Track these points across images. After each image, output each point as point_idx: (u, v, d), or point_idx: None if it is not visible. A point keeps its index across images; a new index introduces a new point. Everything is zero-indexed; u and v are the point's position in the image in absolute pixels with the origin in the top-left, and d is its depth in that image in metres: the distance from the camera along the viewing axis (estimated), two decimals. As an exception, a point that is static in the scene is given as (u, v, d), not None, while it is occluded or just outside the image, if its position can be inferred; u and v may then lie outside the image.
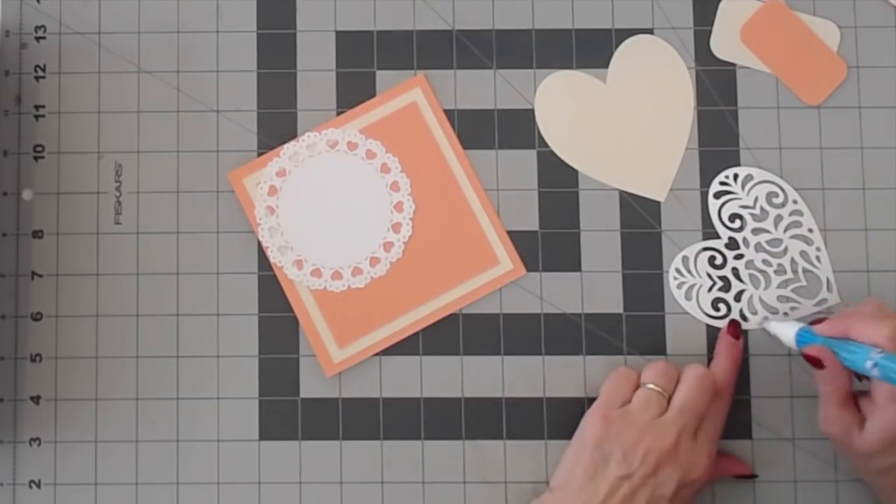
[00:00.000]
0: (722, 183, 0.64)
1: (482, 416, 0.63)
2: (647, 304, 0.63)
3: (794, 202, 0.64)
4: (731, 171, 0.64)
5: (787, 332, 0.60)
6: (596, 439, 0.58)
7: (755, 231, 0.63)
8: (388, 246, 0.64)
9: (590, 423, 0.58)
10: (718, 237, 0.64)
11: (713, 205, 0.64)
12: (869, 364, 0.54)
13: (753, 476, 0.62)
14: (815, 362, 0.57)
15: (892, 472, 0.57)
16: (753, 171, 0.64)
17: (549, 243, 0.64)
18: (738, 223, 0.64)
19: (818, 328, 0.58)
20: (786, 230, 0.63)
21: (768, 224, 0.64)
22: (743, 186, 0.64)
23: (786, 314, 0.63)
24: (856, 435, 0.56)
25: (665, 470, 0.56)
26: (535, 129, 0.65)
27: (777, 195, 0.64)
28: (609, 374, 0.61)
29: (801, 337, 0.59)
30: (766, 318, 0.63)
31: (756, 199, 0.64)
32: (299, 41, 0.65)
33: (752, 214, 0.64)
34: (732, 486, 0.62)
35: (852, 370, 0.56)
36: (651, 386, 0.59)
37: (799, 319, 0.62)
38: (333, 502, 0.62)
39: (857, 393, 0.58)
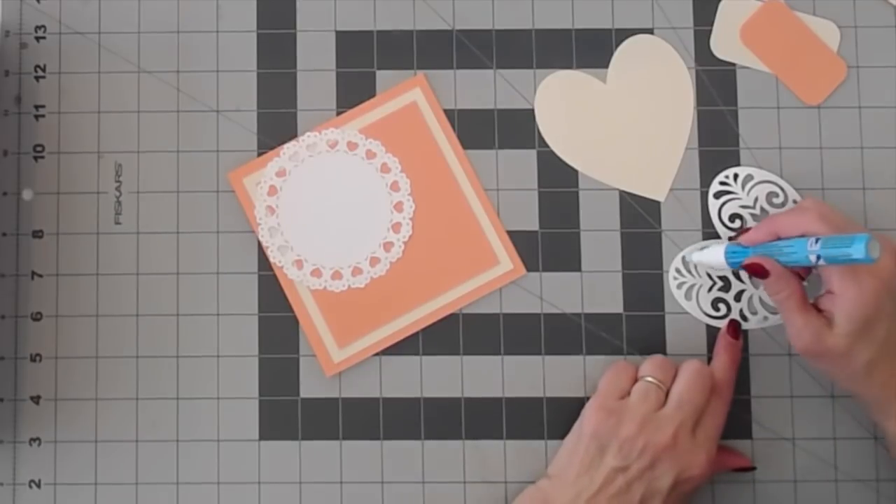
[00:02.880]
0: (722, 183, 0.64)
1: (482, 416, 0.63)
2: (647, 304, 0.63)
3: (794, 202, 0.64)
4: (731, 171, 0.64)
5: (714, 255, 0.60)
6: (593, 430, 0.58)
7: (755, 231, 0.64)
8: (388, 246, 0.64)
9: (588, 415, 0.59)
10: (718, 237, 0.64)
11: (713, 205, 0.64)
12: (812, 257, 0.53)
13: (752, 468, 0.62)
14: (759, 270, 0.56)
15: (878, 369, 0.55)
16: (753, 171, 0.64)
17: (549, 243, 0.64)
18: (738, 223, 0.64)
19: (745, 238, 0.58)
20: (786, 230, 0.63)
21: (768, 224, 0.64)
22: (743, 186, 0.64)
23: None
24: (827, 336, 0.55)
25: (662, 465, 0.56)
26: (535, 129, 0.65)
27: (777, 195, 0.64)
28: (607, 367, 0.61)
29: (732, 254, 0.58)
30: (685, 255, 0.63)
31: (756, 199, 0.64)
32: (299, 41, 0.65)
33: (753, 214, 0.63)
34: (732, 485, 0.62)
35: (798, 268, 0.56)
36: (649, 379, 0.59)
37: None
38: (333, 502, 0.62)
39: (816, 299, 0.57)
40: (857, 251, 0.50)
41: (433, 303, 0.63)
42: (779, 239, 0.57)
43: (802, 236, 0.55)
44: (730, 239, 0.58)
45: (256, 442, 0.63)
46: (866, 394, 0.57)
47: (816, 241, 0.53)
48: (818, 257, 0.53)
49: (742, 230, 0.59)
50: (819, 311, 0.56)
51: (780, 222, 0.57)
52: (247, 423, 0.63)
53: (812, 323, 0.55)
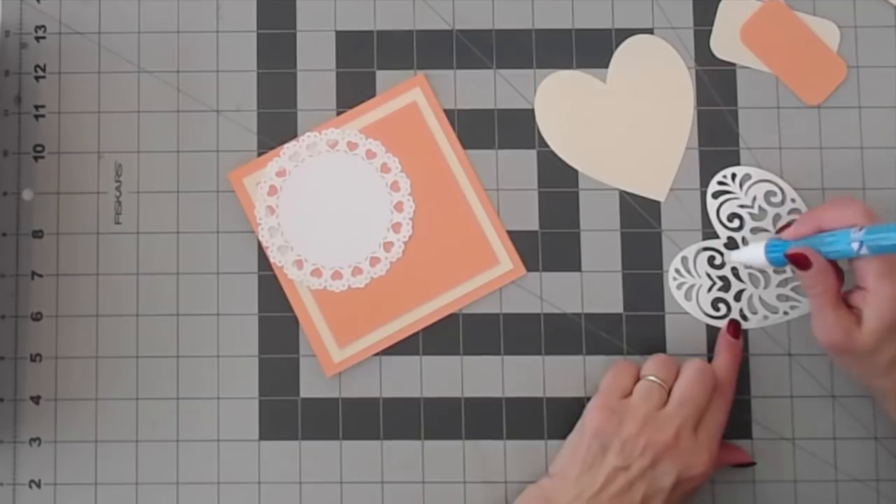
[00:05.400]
0: (720, 182, 0.64)
1: (482, 416, 0.63)
2: (647, 304, 0.63)
3: (793, 200, 0.64)
4: (728, 171, 0.64)
5: (754, 252, 0.59)
6: (595, 429, 0.58)
7: (754, 230, 0.63)
8: (388, 246, 0.64)
9: (590, 414, 0.59)
10: (717, 237, 0.64)
11: (712, 204, 0.64)
12: (855, 245, 0.53)
13: (752, 464, 0.62)
14: (801, 260, 0.56)
15: None
16: (751, 170, 0.64)
17: (549, 243, 0.64)
18: (736, 223, 0.64)
19: (787, 233, 0.58)
20: (785, 229, 0.63)
21: (767, 223, 0.64)
22: (741, 186, 0.64)
23: (786, 313, 0.63)
24: (856, 333, 0.55)
25: (663, 464, 0.56)
26: (535, 129, 0.65)
27: (775, 194, 0.64)
28: (609, 366, 0.61)
29: (772, 249, 0.58)
30: (727, 254, 0.63)
31: (755, 199, 0.64)
32: (299, 41, 0.65)
33: (751, 214, 0.64)
34: (732, 485, 0.62)
35: (838, 259, 0.56)
36: (652, 378, 0.59)
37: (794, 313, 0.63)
38: (333, 502, 0.62)
39: (845, 294, 0.57)
40: None
41: (433, 303, 0.63)
42: (821, 231, 0.57)
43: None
44: (776, 232, 0.59)
45: (256, 442, 0.63)
46: (883, 388, 0.57)
47: (860, 228, 0.54)
48: (861, 244, 0.53)
49: (784, 225, 0.59)
50: (848, 307, 0.56)
51: (825, 215, 0.56)
52: (247, 423, 0.63)
53: (843, 319, 0.55)
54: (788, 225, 0.59)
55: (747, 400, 0.63)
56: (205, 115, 0.65)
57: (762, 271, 0.63)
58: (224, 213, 0.64)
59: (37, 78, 0.65)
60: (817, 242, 0.56)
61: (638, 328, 0.63)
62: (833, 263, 0.56)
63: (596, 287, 0.64)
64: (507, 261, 0.64)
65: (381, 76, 0.65)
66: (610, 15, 0.65)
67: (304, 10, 0.65)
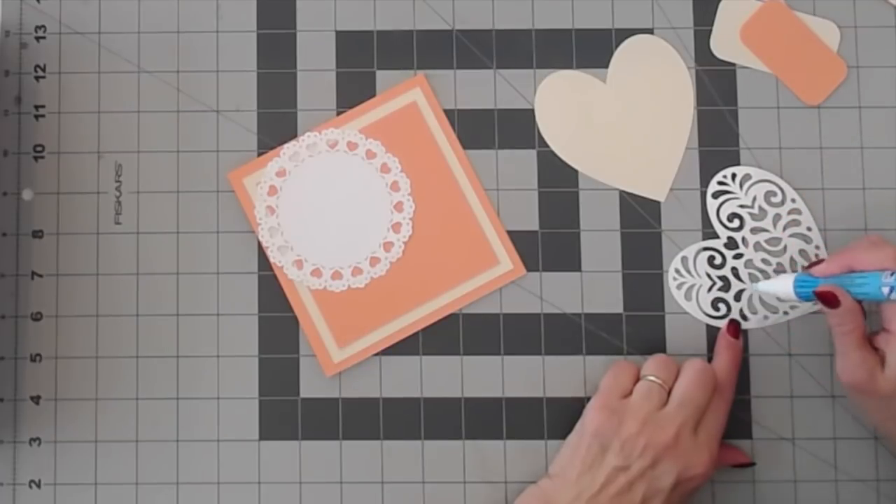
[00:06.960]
0: (720, 182, 0.64)
1: (482, 416, 0.63)
2: (647, 304, 0.63)
3: (793, 200, 0.64)
4: (728, 171, 0.64)
5: (782, 285, 0.59)
6: (595, 429, 0.58)
7: (754, 230, 0.64)
8: (388, 246, 0.64)
9: (590, 414, 0.59)
10: (717, 237, 0.64)
11: (712, 204, 0.64)
12: (885, 289, 0.53)
13: (752, 464, 0.62)
14: (831, 298, 0.56)
15: None
16: (751, 170, 0.64)
17: (549, 243, 0.64)
18: (736, 223, 0.64)
19: (818, 270, 0.57)
20: (784, 229, 0.63)
21: (767, 223, 0.64)
22: (741, 186, 0.64)
23: (786, 313, 0.63)
24: (879, 376, 0.55)
25: (663, 464, 0.56)
26: (535, 129, 0.65)
27: (775, 194, 0.64)
28: (609, 366, 0.61)
29: (801, 284, 0.58)
30: (755, 283, 0.62)
31: (755, 199, 0.64)
32: (299, 41, 0.65)
33: (751, 214, 0.64)
34: (732, 485, 0.62)
35: (867, 301, 0.55)
36: (652, 378, 0.59)
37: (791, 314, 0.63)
38: (333, 502, 0.62)
39: (870, 335, 0.57)
40: None
41: (433, 303, 0.63)
42: (852, 272, 0.56)
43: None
44: (805, 268, 0.59)
45: (256, 442, 0.63)
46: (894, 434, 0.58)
47: (892, 273, 0.53)
48: (891, 289, 0.53)
49: (814, 262, 0.59)
50: (874, 348, 0.56)
51: (858, 258, 0.56)
52: (247, 423, 0.63)
53: (868, 361, 0.55)
54: (819, 262, 0.58)
55: (747, 400, 0.63)
56: (205, 115, 0.65)
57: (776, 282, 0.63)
58: (224, 213, 0.64)
59: (37, 78, 0.65)
60: (847, 282, 0.56)
61: (638, 328, 0.63)
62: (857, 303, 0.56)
63: (596, 287, 0.64)
64: (507, 261, 0.64)
65: (381, 76, 0.65)
66: (610, 15, 0.65)
67: (304, 10, 0.65)
